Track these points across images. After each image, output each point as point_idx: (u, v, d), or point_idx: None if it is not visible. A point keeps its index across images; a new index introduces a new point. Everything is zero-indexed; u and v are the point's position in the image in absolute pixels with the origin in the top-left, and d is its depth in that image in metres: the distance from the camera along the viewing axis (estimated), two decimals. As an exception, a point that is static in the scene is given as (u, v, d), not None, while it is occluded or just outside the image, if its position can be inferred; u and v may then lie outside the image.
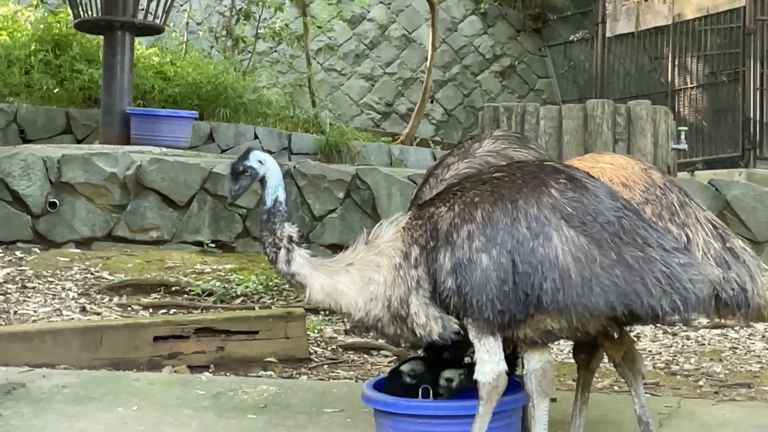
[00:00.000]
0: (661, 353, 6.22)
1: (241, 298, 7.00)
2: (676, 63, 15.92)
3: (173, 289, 7.11)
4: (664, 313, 3.12)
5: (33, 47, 13.04)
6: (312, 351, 6.00)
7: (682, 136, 10.09)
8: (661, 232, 3.28)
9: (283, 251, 3.42)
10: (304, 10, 16.20)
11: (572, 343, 3.98)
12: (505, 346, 3.30)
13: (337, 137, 13.78)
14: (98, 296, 6.90)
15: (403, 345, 3.54)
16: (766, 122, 14.54)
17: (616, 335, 3.48)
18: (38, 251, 8.04)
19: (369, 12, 18.80)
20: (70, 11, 12.29)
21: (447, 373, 3.64)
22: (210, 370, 5.54)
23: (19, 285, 7.03)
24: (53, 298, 6.77)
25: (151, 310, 6.65)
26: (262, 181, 3.47)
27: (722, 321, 6.51)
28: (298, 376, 5.54)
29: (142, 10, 11.46)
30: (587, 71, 18.61)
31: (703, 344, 6.47)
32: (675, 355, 6.17)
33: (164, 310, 6.66)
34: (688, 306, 3.13)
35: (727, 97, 15.04)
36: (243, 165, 3.48)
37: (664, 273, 3.12)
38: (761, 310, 3.55)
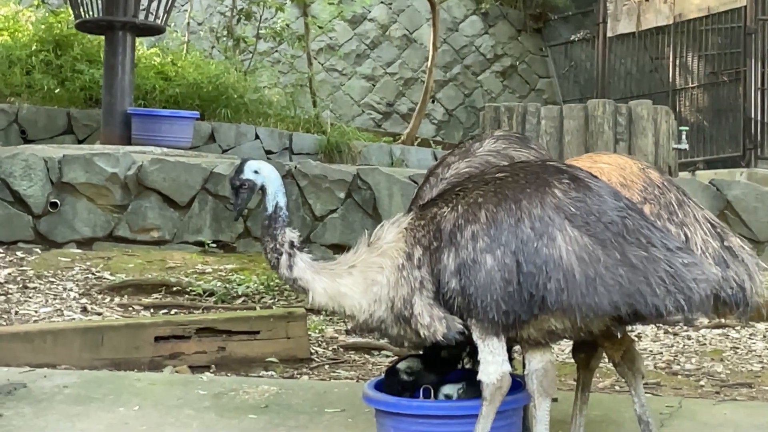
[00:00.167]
0: (662, 353, 6.22)
1: (242, 298, 7.00)
2: (677, 63, 15.92)
3: (174, 289, 7.11)
4: (668, 312, 3.12)
5: (34, 47, 13.05)
6: (313, 351, 6.00)
7: (683, 136, 10.09)
8: (665, 231, 3.28)
9: (284, 256, 3.42)
10: (305, 10, 16.22)
11: (572, 342, 3.98)
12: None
13: (338, 137, 13.78)
14: (99, 296, 6.90)
15: (406, 345, 3.54)
16: (767, 122, 14.54)
17: (619, 335, 3.48)
18: (39, 251, 8.04)
19: (370, 12, 18.80)
20: (71, 11, 12.29)
21: (446, 390, 3.64)
22: (211, 370, 5.54)
23: (21, 285, 7.03)
24: (54, 299, 6.78)
25: (152, 311, 6.65)
26: (262, 188, 3.48)
27: (723, 321, 6.55)
28: (299, 376, 5.55)
29: (143, 10, 11.46)
30: (588, 71, 18.61)
31: (704, 344, 6.46)
32: (676, 355, 6.17)
33: (165, 311, 6.66)
34: (692, 306, 3.13)
35: (728, 97, 15.04)
36: (239, 179, 3.50)
37: (668, 273, 3.12)
38: (760, 308, 3.55)
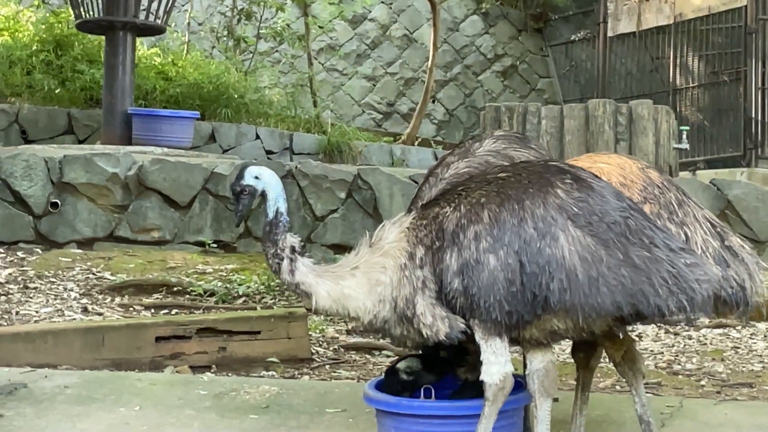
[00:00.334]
0: (662, 353, 6.22)
1: (243, 299, 7.00)
2: (678, 62, 15.91)
3: (175, 289, 7.11)
4: (671, 313, 3.12)
5: (34, 48, 13.05)
6: (314, 351, 6.00)
7: (684, 136, 10.09)
8: (667, 232, 3.29)
9: (286, 261, 3.42)
10: (306, 10, 16.22)
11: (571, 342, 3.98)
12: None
13: (338, 137, 13.78)
14: (100, 296, 6.90)
15: (409, 345, 3.54)
16: (768, 121, 14.55)
17: (621, 335, 3.48)
18: (40, 252, 8.04)
19: (370, 12, 18.80)
20: (71, 12, 12.30)
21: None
22: (212, 371, 5.54)
23: (21, 285, 7.03)
24: (55, 299, 6.78)
25: (152, 311, 6.66)
26: (263, 194, 3.48)
27: (724, 320, 6.55)
28: (300, 376, 5.55)
29: (144, 10, 11.47)
30: (589, 71, 18.61)
31: (705, 344, 6.46)
32: (677, 355, 6.17)
33: (166, 311, 6.66)
34: (694, 306, 3.14)
35: (729, 97, 15.03)
36: (240, 185, 3.50)
37: (670, 273, 3.12)
38: (760, 308, 3.55)
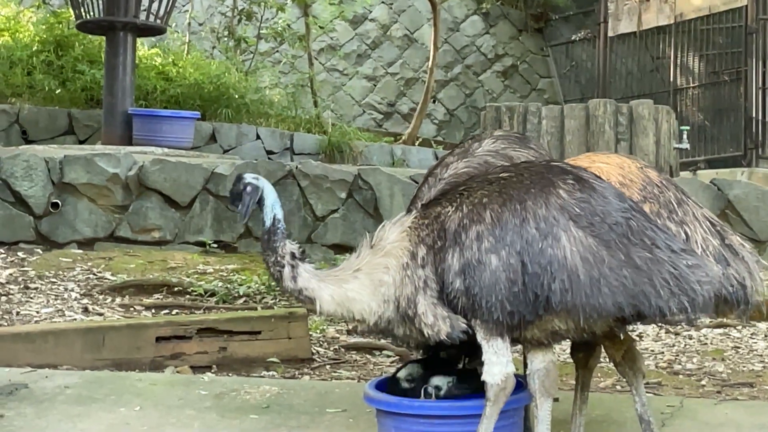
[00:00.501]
0: (663, 353, 6.22)
1: (244, 299, 7.00)
2: (678, 62, 15.91)
3: (175, 289, 7.11)
4: (672, 314, 3.13)
5: (35, 48, 13.06)
6: (314, 351, 6.00)
7: (684, 136, 10.09)
8: (669, 233, 3.29)
9: (287, 268, 3.40)
10: (306, 10, 16.22)
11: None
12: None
13: (339, 137, 13.78)
14: (101, 297, 6.90)
15: (411, 345, 3.54)
16: (768, 121, 14.54)
17: (621, 335, 3.48)
18: (40, 252, 8.04)
19: (371, 12, 18.80)
20: (71, 12, 12.30)
21: (435, 381, 3.62)
22: (212, 371, 5.54)
23: (22, 286, 7.04)
24: (56, 299, 6.78)
25: (153, 311, 6.65)
26: (260, 200, 3.48)
27: (724, 320, 6.55)
28: (300, 376, 5.55)
29: (144, 10, 11.47)
30: (589, 71, 18.61)
31: (706, 344, 6.46)
32: (677, 355, 6.17)
33: (167, 311, 6.66)
34: (695, 307, 3.14)
35: (729, 97, 15.03)
36: (242, 183, 3.49)
37: (672, 274, 3.13)
38: (760, 307, 3.56)
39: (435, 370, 3.67)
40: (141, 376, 5.15)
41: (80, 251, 8.11)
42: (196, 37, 16.86)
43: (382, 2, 18.88)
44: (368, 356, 6.07)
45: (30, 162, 8.30)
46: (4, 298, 6.69)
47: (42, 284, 7.10)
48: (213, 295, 6.97)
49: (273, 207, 3.47)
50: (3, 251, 7.97)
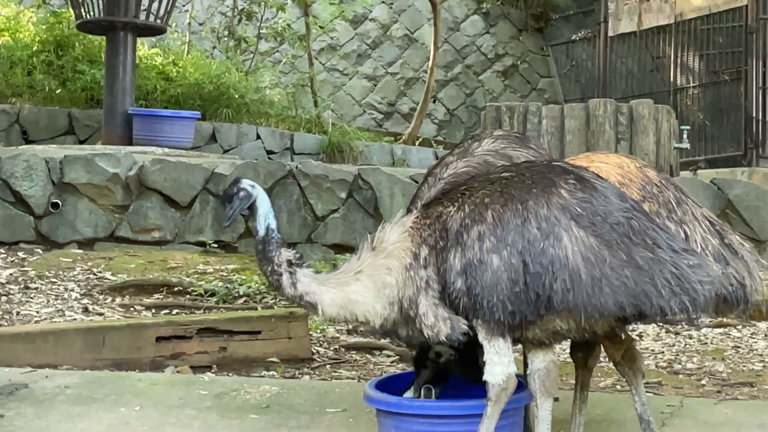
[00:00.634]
0: (663, 352, 6.22)
1: (244, 299, 7.01)
2: (678, 62, 15.91)
3: (176, 289, 7.11)
4: (673, 313, 3.14)
5: (35, 48, 13.06)
6: (314, 351, 6.00)
7: (684, 135, 10.10)
8: (670, 233, 3.29)
9: (285, 276, 3.39)
10: (306, 10, 16.21)
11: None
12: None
13: (339, 137, 13.77)
14: (101, 297, 6.90)
15: (414, 344, 3.54)
16: (768, 121, 14.54)
17: (623, 336, 3.48)
18: (41, 252, 8.04)
19: (371, 12, 18.80)
20: (72, 12, 12.30)
21: (437, 347, 3.61)
22: (212, 371, 5.54)
23: (22, 286, 7.04)
24: (56, 299, 6.78)
25: (153, 311, 6.66)
26: (251, 208, 3.46)
27: (724, 319, 6.55)
28: (300, 376, 5.55)
29: (144, 10, 11.47)
30: (589, 70, 18.60)
31: (706, 343, 6.46)
32: (677, 354, 6.17)
33: (167, 311, 6.66)
34: (696, 307, 3.15)
35: (730, 96, 15.03)
36: (236, 187, 3.47)
37: (673, 274, 3.13)
38: (760, 306, 3.55)
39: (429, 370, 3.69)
40: (141, 376, 5.15)
41: (80, 251, 8.11)
42: (196, 37, 16.86)
43: (383, 2, 18.88)
44: (368, 356, 6.07)
45: (30, 162, 8.30)
46: (4, 298, 6.69)
47: (42, 284, 7.10)
48: (213, 295, 6.97)
49: (266, 216, 3.44)
50: (3, 251, 7.98)
